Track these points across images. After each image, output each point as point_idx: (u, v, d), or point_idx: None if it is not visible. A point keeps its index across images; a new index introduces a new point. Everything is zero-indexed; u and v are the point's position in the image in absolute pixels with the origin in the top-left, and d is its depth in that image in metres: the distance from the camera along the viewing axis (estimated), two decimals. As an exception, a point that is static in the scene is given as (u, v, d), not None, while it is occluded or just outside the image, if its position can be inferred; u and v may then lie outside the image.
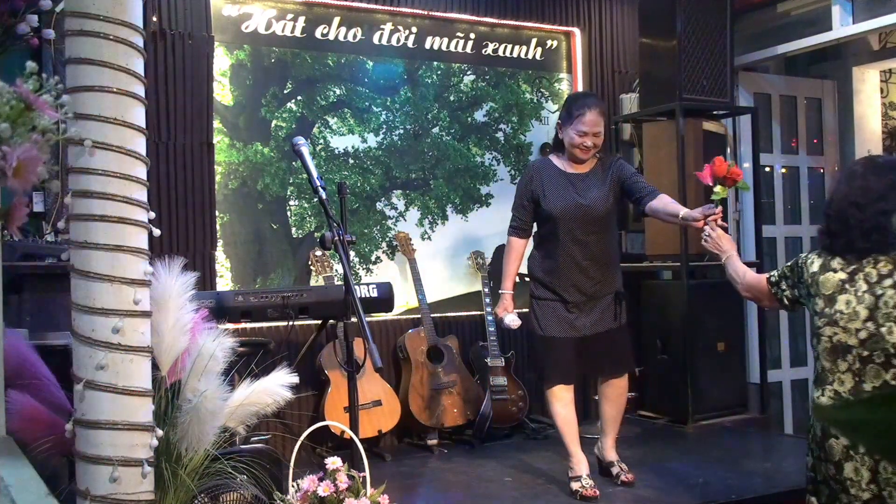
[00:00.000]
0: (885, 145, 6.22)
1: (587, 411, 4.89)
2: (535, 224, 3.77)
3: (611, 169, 3.67)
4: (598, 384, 3.82)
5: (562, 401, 3.63)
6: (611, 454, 3.76)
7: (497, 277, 5.08)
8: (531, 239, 3.83)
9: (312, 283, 4.57)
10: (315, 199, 4.02)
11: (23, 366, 1.99)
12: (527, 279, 3.76)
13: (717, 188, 3.12)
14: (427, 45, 5.07)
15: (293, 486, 2.22)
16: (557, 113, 5.43)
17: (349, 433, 2.59)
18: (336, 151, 4.82)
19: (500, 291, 3.74)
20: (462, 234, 5.14)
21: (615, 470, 3.69)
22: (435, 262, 5.02)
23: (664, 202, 3.49)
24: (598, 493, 3.50)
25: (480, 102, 5.25)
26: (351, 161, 4.85)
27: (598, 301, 3.64)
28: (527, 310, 3.82)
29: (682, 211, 3.38)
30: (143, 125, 1.91)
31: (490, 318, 4.73)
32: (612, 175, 3.65)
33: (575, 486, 3.55)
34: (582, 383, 4.42)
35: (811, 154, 6.11)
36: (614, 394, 3.74)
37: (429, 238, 5.05)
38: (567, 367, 3.64)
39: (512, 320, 3.64)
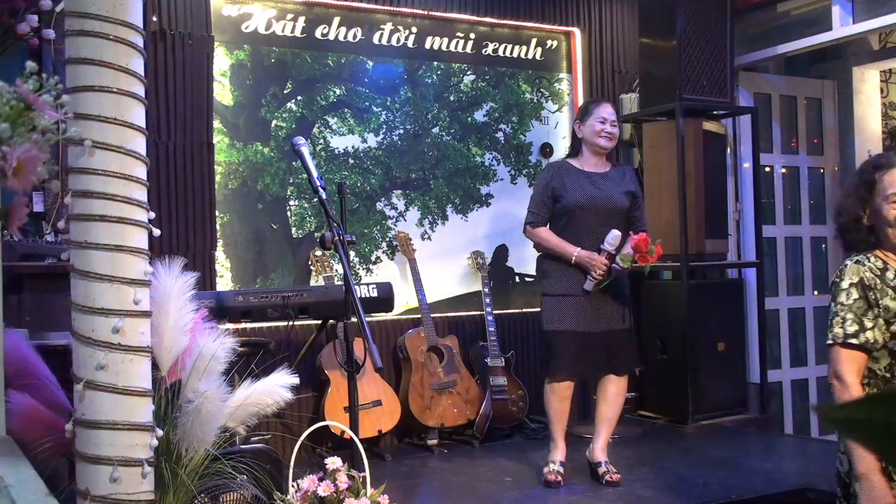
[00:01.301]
0: (885, 145, 6.22)
1: (587, 412, 4.89)
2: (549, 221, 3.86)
3: (627, 176, 3.87)
4: (597, 384, 3.86)
5: (559, 395, 3.74)
6: (600, 455, 3.79)
7: (497, 277, 5.10)
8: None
9: (312, 283, 4.57)
10: (315, 199, 4.02)
11: (23, 366, 1.99)
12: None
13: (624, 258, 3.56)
14: (427, 45, 5.07)
15: (293, 486, 2.22)
16: (557, 113, 5.44)
17: (349, 433, 2.59)
18: (336, 151, 4.82)
19: (574, 260, 3.66)
20: (462, 234, 5.14)
21: (601, 470, 3.73)
22: (435, 262, 5.02)
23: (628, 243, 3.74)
24: (560, 479, 3.72)
25: (480, 102, 5.25)
26: (351, 161, 4.85)
27: (607, 299, 3.72)
28: (538, 309, 3.93)
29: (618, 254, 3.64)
30: (143, 125, 1.91)
31: (490, 318, 4.73)
32: (629, 182, 3.83)
33: (545, 469, 3.77)
34: (581, 383, 4.42)
35: (811, 154, 6.11)
36: (612, 393, 3.79)
37: (429, 238, 5.05)
38: (572, 361, 3.71)
39: (611, 236, 3.59)
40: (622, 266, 3.57)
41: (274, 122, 4.66)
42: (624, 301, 3.78)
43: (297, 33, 4.71)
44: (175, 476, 1.98)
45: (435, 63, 5.12)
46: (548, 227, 3.82)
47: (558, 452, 3.80)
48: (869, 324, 2.25)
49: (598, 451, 3.80)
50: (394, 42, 4.97)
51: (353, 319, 2.99)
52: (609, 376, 3.78)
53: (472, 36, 5.21)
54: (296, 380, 2.27)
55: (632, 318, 3.85)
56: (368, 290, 4.20)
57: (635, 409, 5.20)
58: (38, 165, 1.50)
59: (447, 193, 5.12)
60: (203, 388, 2.01)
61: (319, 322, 4.11)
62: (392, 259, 4.91)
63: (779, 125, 5.96)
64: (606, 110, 3.79)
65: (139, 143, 1.89)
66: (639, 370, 5.12)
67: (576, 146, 3.89)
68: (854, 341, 2.24)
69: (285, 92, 4.70)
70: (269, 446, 2.92)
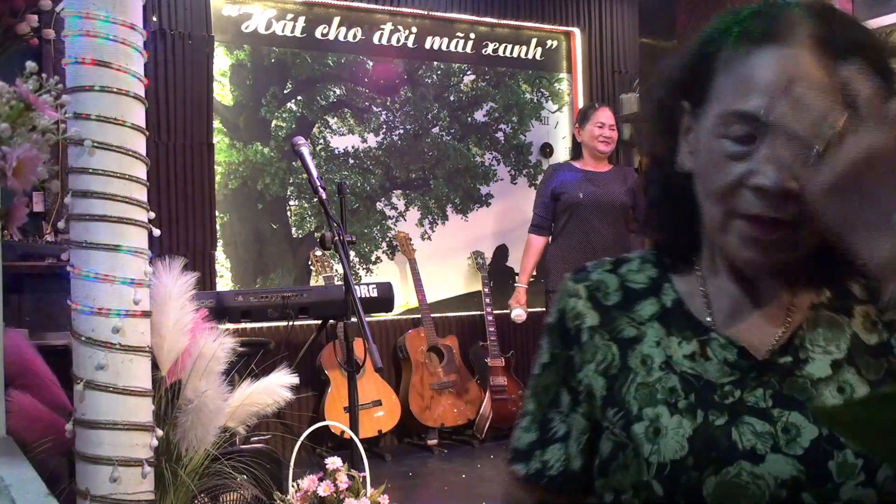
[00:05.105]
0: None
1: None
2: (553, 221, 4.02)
3: (627, 174, 4.03)
4: None
5: None
6: None
7: (497, 277, 5.10)
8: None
9: (312, 283, 4.58)
10: (315, 199, 4.02)
11: (23, 366, 1.99)
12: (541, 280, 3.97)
13: None
14: (427, 45, 5.07)
15: (293, 486, 2.22)
16: (557, 113, 5.44)
17: (349, 433, 2.59)
18: (336, 151, 4.82)
19: (515, 285, 3.99)
20: (462, 234, 5.14)
21: None
22: (435, 262, 5.02)
23: None
24: None
25: (480, 102, 5.25)
26: (351, 161, 4.85)
27: None
28: (539, 308, 4.09)
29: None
30: (143, 125, 1.91)
31: (490, 318, 4.74)
32: (629, 180, 3.98)
33: None
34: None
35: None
36: None
37: (429, 238, 5.05)
38: None
39: (518, 314, 3.82)
40: None
41: (274, 122, 4.66)
42: None
43: (297, 33, 4.71)
44: (175, 476, 1.99)
45: (435, 63, 5.12)
46: (551, 228, 3.95)
47: None
48: None
49: None
50: (394, 42, 4.97)
51: (353, 319, 2.99)
52: None
53: (472, 36, 5.21)
54: (296, 380, 2.28)
55: None
56: (368, 290, 4.20)
57: (635, 409, 5.20)
58: (38, 165, 1.50)
59: (447, 193, 5.12)
60: (203, 388, 2.01)
61: (319, 322, 4.11)
62: (392, 259, 4.91)
63: (779, 125, 5.96)
64: (605, 115, 3.95)
65: (139, 143, 1.89)
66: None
67: (577, 149, 4.08)
68: None
69: (285, 92, 4.70)
70: (269, 446, 2.92)
